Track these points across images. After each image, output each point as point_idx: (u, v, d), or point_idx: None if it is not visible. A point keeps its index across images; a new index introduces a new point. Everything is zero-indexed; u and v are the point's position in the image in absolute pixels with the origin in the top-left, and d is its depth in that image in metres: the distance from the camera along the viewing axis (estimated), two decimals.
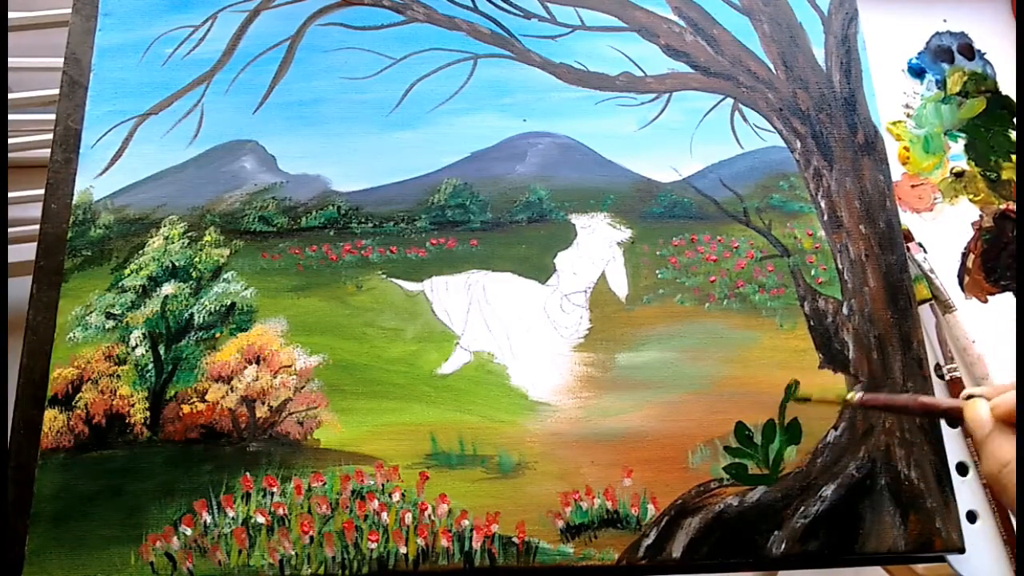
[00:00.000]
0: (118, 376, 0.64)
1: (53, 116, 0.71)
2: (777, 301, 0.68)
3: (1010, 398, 0.47)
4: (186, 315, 0.66)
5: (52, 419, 0.62)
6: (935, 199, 0.79)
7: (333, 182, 0.70)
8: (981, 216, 0.78)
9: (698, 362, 0.66)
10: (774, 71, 0.73)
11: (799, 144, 0.72)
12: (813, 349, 0.66)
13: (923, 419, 0.62)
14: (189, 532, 0.59)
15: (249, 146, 0.71)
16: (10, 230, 1.20)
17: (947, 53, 0.86)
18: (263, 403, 0.63)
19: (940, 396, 0.63)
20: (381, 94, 0.73)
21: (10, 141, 1.15)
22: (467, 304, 0.67)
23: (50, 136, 0.70)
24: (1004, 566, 0.64)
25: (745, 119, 0.72)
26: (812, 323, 0.67)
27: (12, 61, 1.14)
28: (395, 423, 0.63)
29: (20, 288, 0.77)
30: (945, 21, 0.87)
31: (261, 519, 0.60)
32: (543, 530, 0.60)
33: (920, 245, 0.74)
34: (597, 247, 0.69)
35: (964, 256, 0.77)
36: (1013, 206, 0.78)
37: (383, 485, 0.61)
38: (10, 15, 1.04)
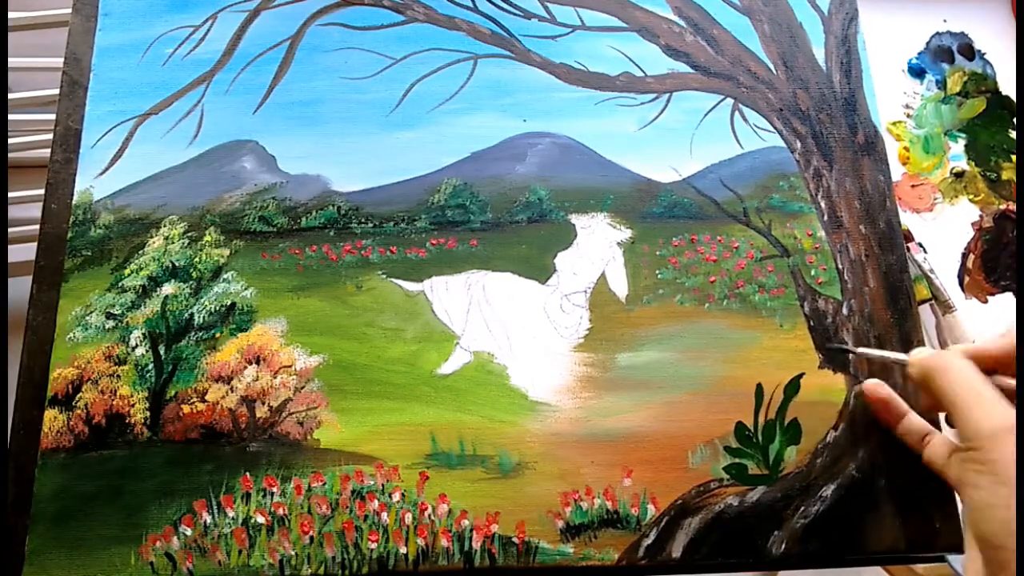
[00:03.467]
0: (118, 376, 0.64)
1: (53, 116, 0.71)
2: (777, 301, 0.68)
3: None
4: (186, 315, 0.66)
5: (52, 419, 0.62)
6: (935, 199, 0.79)
7: (333, 182, 0.70)
8: (981, 216, 0.78)
9: (698, 362, 0.65)
10: (774, 71, 0.73)
11: (799, 144, 0.71)
12: (813, 349, 0.66)
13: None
14: (189, 532, 0.59)
15: (249, 146, 0.71)
16: (10, 230, 1.20)
17: (947, 53, 0.86)
18: (263, 403, 0.63)
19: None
20: (381, 94, 0.73)
21: (10, 141, 1.15)
22: (467, 304, 0.67)
23: (50, 136, 0.70)
24: None
25: (745, 119, 0.72)
26: (812, 323, 0.67)
27: (12, 61, 1.14)
28: (395, 423, 0.63)
29: (20, 288, 0.77)
30: (945, 21, 0.87)
31: (261, 519, 0.60)
32: (543, 530, 0.60)
33: (920, 245, 0.74)
34: (597, 247, 0.69)
35: (964, 256, 0.77)
36: (1013, 206, 0.78)
37: (383, 485, 0.61)
38: (10, 15, 1.04)
